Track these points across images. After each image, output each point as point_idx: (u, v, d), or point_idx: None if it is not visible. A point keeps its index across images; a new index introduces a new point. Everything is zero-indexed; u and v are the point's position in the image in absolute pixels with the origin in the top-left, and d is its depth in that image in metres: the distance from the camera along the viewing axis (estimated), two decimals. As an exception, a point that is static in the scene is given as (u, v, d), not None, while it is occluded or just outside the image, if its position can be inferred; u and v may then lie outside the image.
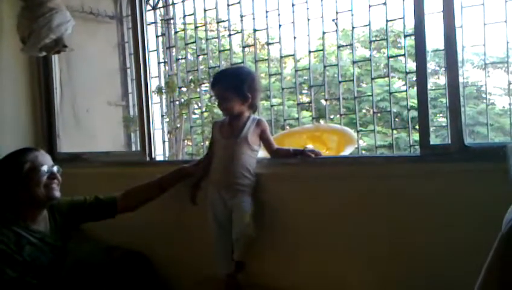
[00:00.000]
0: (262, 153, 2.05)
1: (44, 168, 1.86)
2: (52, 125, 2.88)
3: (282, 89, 2.58)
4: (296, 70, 2.57)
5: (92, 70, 3.01)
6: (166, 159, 2.77)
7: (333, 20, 2.30)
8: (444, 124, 1.89)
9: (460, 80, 1.73)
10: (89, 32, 2.98)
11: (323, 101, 2.90)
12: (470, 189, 1.55)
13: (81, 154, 2.76)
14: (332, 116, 3.55)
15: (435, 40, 1.93)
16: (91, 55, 3.01)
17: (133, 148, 3.05)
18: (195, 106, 3.24)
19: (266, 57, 2.71)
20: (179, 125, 2.86)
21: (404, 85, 2.80)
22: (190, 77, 2.91)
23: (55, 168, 1.90)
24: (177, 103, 2.93)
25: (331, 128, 2.39)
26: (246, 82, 1.86)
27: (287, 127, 2.69)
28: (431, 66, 4.29)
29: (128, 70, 3.12)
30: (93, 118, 2.98)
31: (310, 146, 2.20)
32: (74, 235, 2.03)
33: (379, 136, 4.26)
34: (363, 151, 3.37)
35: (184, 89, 2.91)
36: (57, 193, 1.88)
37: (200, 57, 2.98)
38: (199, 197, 2.04)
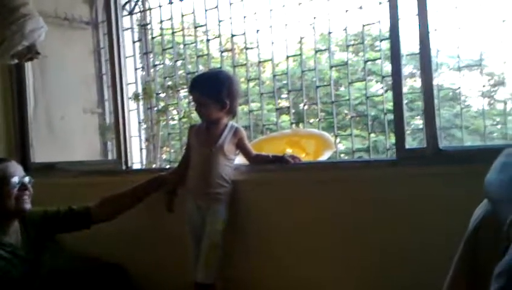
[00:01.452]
0: (241, 159, 2.04)
1: (15, 179, 1.82)
2: (25, 134, 2.82)
3: (261, 93, 2.58)
4: (274, 75, 2.58)
5: (67, 77, 2.97)
6: (143, 167, 2.73)
7: (310, 24, 2.31)
8: (421, 127, 1.91)
9: (435, 82, 1.75)
10: (64, 38, 2.94)
11: (301, 106, 2.91)
12: (445, 192, 1.57)
13: (55, 163, 2.71)
14: (311, 121, 3.56)
15: (410, 43, 1.95)
16: (66, 61, 2.96)
17: (109, 157, 3.00)
18: (173, 112, 3.22)
19: (244, 62, 2.70)
20: (156, 132, 2.83)
21: (382, 88, 2.83)
22: (168, 83, 2.89)
23: (26, 179, 1.86)
24: (155, 109, 2.90)
25: (309, 133, 2.39)
26: (224, 87, 1.84)
27: (267, 132, 2.68)
28: (409, 69, 4.34)
29: (105, 77, 3.08)
30: (68, 126, 2.93)
31: (288, 151, 2.20)
32: (49, 246, 1.99)
33: (358, 140, 4.29)
34: (342, 155, 3.39)
35: (162, 95, 2.88)
36: (28, 205, 1.84)
37: (178, 62, 2.97)
38: (175, 203, 2.02)
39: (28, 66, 2.83)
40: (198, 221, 1.87)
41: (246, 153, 1.95)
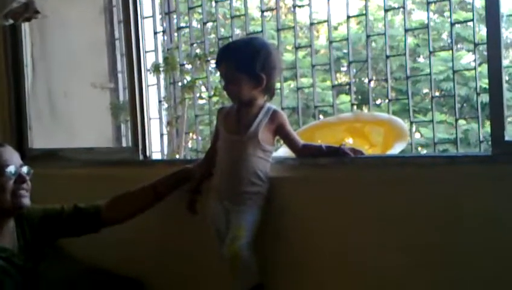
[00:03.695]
0: (286, 151, 2.06)
1: (11, 169, 1.89)
2: (22, 114, 2.94)
3: (313, 66, 2.56)
4: (330, 42, 2.56)
5: (72, 44, 3.06)
6: (165, 157, 2.80)
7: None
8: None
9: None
10: (68, -7, 3.04)
11: (366, 82, 2.89)
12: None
13: (58, 150, 2.81)
14: (379, 102, 3.52)
15: (514, 0, 1.89)
16: (70, 23, 3.05)
17: (123, 144, 3.09)
18: (202, 89, 3.26)
19: (292, 24, 2.70)
20: (181, 114, 2.89)
21: (474, 60, 2.76)
22: (196, 51, 2.93)
23: (24, 169, 1.93)
24: (179, 84, 2.95)
25: (376, 119, 2.38)
26: (259, 58, 1.85)
27: (320, 116, 2.68)
28: (510, 35, 4.20)
29: (118, 43, 3.15)
30: (73, 105, 3.03)
31: (349, 141, 2.20)
32: (49, 253, 2.07)
33: (442, 128, 4.19)
34: (420, 149, 3.33)
35: (188, 67, 2.93)
36: (26, 201, 1.92)
37: (208, 25, 2.99)
38: (199, 204, 2.06)
39: (25, 28, 2.93)
40: (224, 225, 1.90)
41: (290, 142, 1.95)
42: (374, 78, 2.92)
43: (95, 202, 2.10)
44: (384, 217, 1.81)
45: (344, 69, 3.99)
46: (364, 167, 1.90)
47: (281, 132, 1.93)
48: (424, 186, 1.76)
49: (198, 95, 3.00)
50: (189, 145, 3.35)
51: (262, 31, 2.61)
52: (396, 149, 2.13)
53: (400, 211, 1.78)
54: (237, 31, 2.73)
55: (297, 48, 2.64)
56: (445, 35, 4.13)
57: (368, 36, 2.43)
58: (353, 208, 1.86)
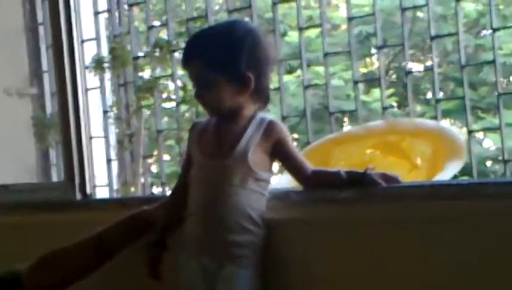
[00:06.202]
0: (289, 180, 2.08)
1: None
2: None
3: (325, 54, 2.59)
4: (349, 19, 2.57)
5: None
6: (115, 194, 2.81)
7: None
8: None
9: None
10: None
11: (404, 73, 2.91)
12: None
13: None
14: (429, 96, 3.47)
15: None
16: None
17: (54, 177, 3.09)
18: (170, 86, 3.27)
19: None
20: (136, 129, 2.90)
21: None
22: (156, 36, 2.95)
23: None
24: (133, 86, 2.97)
25: (419, 128, 2.38)
26: (243, 50, 1.88)
27: (344, 120, 2.69)
28: None
29: (41, 30, 3.18)
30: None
31: (377, 158, 2.22)
32: None
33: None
34: (489, 163, 3.36)
35: (143, 61, 2.95)
36: None
37: (173, -1, 3.01)
38: (165, 265, 2.07)
39: None
40: None
41: (293, 167, 1.97)
42: (415, 66, 2.92)
43: (14, 266, 2.11)
44: (431, 269, 1.82)
45: (372, 51, 4.00)
46: (402, 201, 1.91)
47: (279, 152, 1.95)
48: (490, 225, 1.77)
49: (160, 100, 3.01)
50: (153, 169, 3.36)
51: (250, 6, 2.62)
52: (448, 172, 2.14)
53: (454, 260, 1.80)
54: (216, 8, 2.75)
55: (301, 28, 2.65)
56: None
57: (402, 9, 2.45)
58: (386, 260, 1.88)
